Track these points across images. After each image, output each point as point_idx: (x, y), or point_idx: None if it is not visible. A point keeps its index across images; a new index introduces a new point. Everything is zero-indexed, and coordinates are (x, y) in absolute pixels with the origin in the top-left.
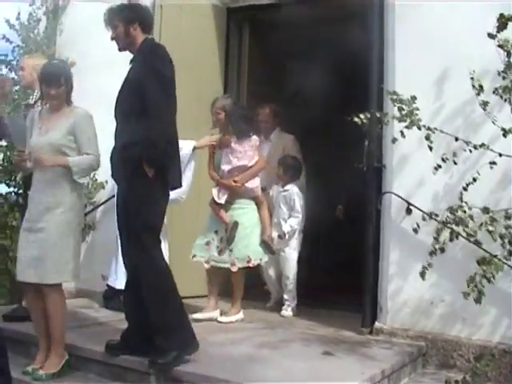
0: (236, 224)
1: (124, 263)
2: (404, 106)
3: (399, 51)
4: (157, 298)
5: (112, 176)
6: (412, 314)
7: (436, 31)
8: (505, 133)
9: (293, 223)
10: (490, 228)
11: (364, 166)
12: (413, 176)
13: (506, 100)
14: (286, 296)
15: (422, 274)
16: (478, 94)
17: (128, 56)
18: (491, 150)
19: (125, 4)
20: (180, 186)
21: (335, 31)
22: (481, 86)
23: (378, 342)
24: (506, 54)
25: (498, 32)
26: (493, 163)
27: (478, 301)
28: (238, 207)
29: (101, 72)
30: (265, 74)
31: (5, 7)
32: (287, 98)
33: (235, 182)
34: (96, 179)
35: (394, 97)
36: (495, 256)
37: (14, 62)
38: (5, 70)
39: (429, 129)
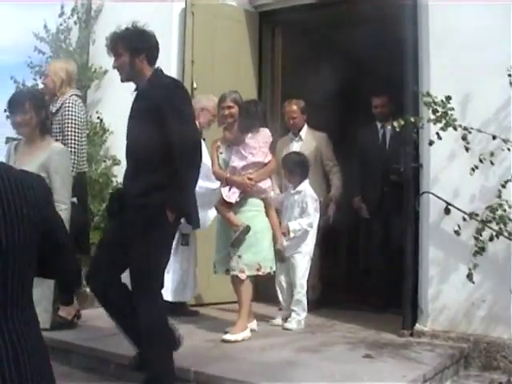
0: (248, 228)
1: None
2: (438, 108)
3: (433, 51)
4: (153, 337)
5: (110, 215)
6: (453, 316)
7: (470, 30)
8: None
9: (302, 222)
10: None
11: (401, 166)
12: (450, 176)
13: None
14: (293, 307)
15: (469, 276)
16: None
17: (161, 61)
18: None
19: (132, 30)
20: (198, 227)
21: (369, 32)
22: None
23: (419, 344)
24: None
25: None
26: None
27: None
28: (248, 209)
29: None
30: (299, 76)
31: (31, 20)
32: (320, 100)
33: (250, 179)
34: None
35: (428, 100)
36: None
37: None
38: (39, 81)
39: (465, 129)
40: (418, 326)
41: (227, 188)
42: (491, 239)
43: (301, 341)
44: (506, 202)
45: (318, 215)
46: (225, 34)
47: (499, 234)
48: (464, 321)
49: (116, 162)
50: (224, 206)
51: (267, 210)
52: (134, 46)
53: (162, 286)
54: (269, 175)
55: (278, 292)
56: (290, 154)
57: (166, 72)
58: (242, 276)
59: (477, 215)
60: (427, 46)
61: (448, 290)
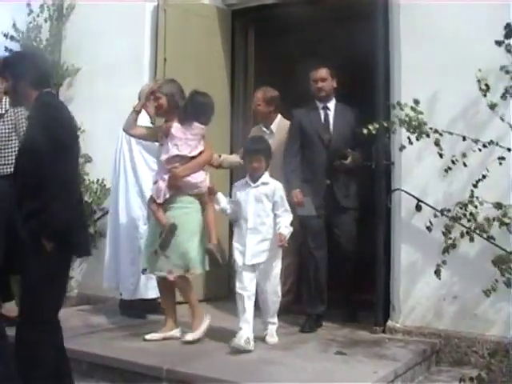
0: (174, 227)
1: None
2: (412, 120)
3: (405, 51)
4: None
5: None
6: (425, 312)
7: (440, 29)
8: None
9: (287, 222)
10: (506, 220)
11: (373, 163)
12: (422, 173)
13: None
14: (271, 319)
15: (437, 272)
16: (485, 95)
17: (134, 58)
18: (500, 146)
19: (15, 55)
20: (89, 253)
21: (341, 31)
22: (487, 86)
23: (392, 340)
24: None
25: (505, 39)
26: (501, 158)
27: (487, 294)
28: (179, 206)
29: (108, 76)
30: (271, 75)
31: (2, 19)
32: (293, 98)
33: (175, 174)
34: (104, 185)
35: (400, 114)
36: (510, 253)
37: None
38: None
39: (436, 131)
40: (390, 323)
41: (156, 186)
42: (462, 236)
43: None
44: (477, 198)
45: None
46: (197, 31)
47: (470, 230)
48: (436, 317)
49: (88, 160)
50: (154, 203)
51: (204, 208)
52: (16, 72)
53: (52, 319)
54: (199, 169)
55: (246, 305)
56: (250, 140)
57: (138, 70)
58: (170, 277)
59: (448, 211)
60: (398, 44)
61: (420, 287)
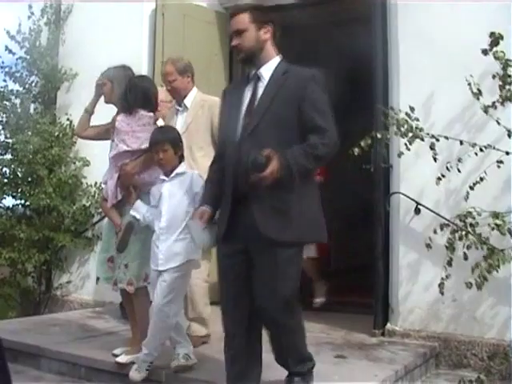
0: (130, 225)
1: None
2: (400, 123)
3: (403, 54)
4: None
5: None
6: (424, 315)
7: (437, 32)
8: (510, 133)
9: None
10: (498, 222)
11: (371, 167)
12: (420, 176)
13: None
14: (177, 337)
15: (441, 286)
16: (478, 99)
17: (132, 63)
18: (498, 150)
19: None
20: None
21: (340, 34)
22: (479, 90)
23: (391, 343)
24: (501, 66)
25: (491, 49)
26: (500, 162)
27: (479, 287)
28: None
29: None
30: None
31: (5, 18)
32: None
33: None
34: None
35: (393, 120)
36: (502, 250)
37: (18, 74)
38: (10, 83)
39: (433, 136)
40: (389, 326)
41: (106, 186)
42: (460, 239)
43: None
44: (474, 209)
45: None
46: (195, 35)
47: (468, 233)
48: (435, 320)
49: (86, 164)
50: (105, 203)
51: None
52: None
53: None
54: (152, 163)
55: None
56: (153, 132)
57: (136, 73)
58: (131, 289)
59: (447, 225)
60: (396, 47)
61: (419, 290)
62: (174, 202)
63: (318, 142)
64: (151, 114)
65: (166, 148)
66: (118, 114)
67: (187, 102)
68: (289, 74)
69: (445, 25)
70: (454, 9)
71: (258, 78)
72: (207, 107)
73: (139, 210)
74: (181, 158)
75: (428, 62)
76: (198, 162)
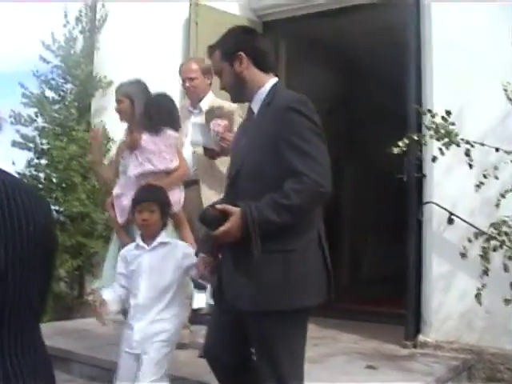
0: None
1: None
2: (440, 129)
3: (437, 62)
4: None
5: None
6: (457, 327)
7: (473, 39)
8: None
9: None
10: None
11: (404, 176)
12: (454, 186)
13: None
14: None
15: (477, 297)
16: None
17: (166, 72)
18: None
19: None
20: None
21: (373, 42)
22: None
23: (422, 355)
24: None
25: None
26: None
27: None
28: None
29: None
30: (303, 88)
31: (40, 27)
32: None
33: None
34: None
35: (430, 124)
36: None
37: (53, 82)
38: (47, 91)
39: (468, 142)
40: (421, 337)
41: (115, 204)
42: (495, 250)
43: None
44: (508, 217)
45: None
46: None
47: (503, 244)
48: (468, 332)
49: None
50: (116, 220)
51: (178, 227)
52: None
53: None
54: (175, 185)
55: None
56: (140, 188)
57: (170, 83)
58: None
59: (482, 233)
60: (430, 56)
61: (452, 301)
62: (154, 278)
63: (289, 190)
64: (177, 134)
65: (153, 209)
66: (132, 131)
67: (203, 104)
68: (272, 104)
69: (481, 34)
70: (491, 19)
71: (253, 114)
72: (226, 115)
73: (107, 311)
74: (164, 225)
75: (464, 69)
76: (214, 168)
